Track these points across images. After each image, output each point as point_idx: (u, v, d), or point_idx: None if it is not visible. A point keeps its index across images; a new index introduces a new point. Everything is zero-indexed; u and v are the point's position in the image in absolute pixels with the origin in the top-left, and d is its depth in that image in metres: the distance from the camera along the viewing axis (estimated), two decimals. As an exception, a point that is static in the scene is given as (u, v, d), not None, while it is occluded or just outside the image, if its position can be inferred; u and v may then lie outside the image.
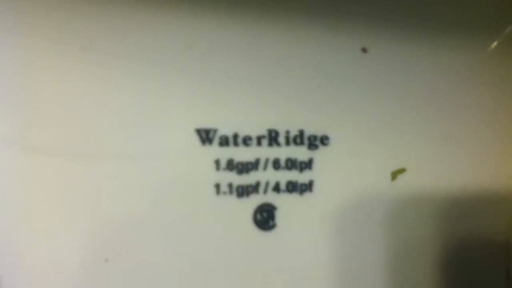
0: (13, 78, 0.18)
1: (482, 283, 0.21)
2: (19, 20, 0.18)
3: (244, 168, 0.19)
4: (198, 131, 0.19)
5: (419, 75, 0.21)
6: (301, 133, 0.19)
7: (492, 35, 0.22)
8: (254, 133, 0.19)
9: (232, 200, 0.19)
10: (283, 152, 0.19)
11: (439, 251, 0.20)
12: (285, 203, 0.19)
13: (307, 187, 0.19)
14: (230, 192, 0.19)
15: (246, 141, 0.19)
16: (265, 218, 0.19)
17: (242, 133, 0.19)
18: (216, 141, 0.19)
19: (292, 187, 0.19)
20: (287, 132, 0.19)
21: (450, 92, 0.21)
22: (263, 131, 0.19)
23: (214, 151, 0.19)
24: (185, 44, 0.19)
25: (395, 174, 0.20)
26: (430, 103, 0.21)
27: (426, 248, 0.20)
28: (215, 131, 0.19)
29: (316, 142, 0.20)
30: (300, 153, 0.19)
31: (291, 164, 0.19)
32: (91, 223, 0.18)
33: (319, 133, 0.20)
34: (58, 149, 0.18)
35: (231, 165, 0.19)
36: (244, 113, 0.19)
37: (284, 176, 0.19)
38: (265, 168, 0.19)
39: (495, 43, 0.22)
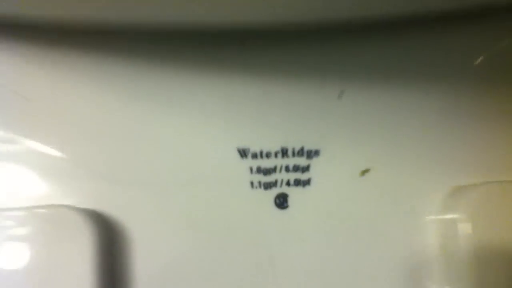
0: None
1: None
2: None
3: (267, 171, 0.31)
4: (238, 150, 0.31)
5: (389, 112, 0.32)
6: (302, 148, 0.31)
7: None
8: (272, 150, 0.31)
9: (261, 191, 0.31)
10: (291, 161, 0.31)
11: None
12: (293, 192, 0.31)
13: (307, 182, 0.31)
14: (260, 186, 0.31)
15: (268, 155, 0.31)
16: (281, 201, 0.31)
17: (265, 150, 0.31)
18: (249, 155, 0.31)
19: (297, 182, 0.31)
20: (293, 148, 0.31)
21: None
22: (278, 148, 0.31)
23: (249, 162, 0.31)
24: (217, 96, 0.31)
25: (363, 172, 0.31)
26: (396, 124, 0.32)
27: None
28: (248, 149, 0.31)
29: (312, 154, 0.31)
30: (302, 161, 0.31)
31: (296, 168, 0.31)
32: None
33: (314, 148, 0.31)
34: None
35: (259, 170, 0.31)
36: (266, 137, 0.31)
37: (292, 176, 0.31)
38: (280, 171, 0.31)
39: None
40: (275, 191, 0.31)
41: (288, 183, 0.31)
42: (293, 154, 0.31)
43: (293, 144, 0.31)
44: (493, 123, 0.32)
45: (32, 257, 0.28)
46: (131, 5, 0.26)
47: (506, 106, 0.33)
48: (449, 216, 0.31)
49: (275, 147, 0.31)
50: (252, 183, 0.31)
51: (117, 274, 0.30)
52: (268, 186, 0.31)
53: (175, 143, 0.31)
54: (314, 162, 0.31)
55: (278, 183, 0.31)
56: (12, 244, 0.28)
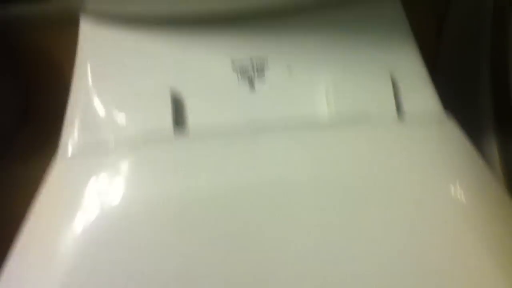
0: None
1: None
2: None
3: (245, 71, 0.68)
4: (232, 61, 0.68)
5: (304, 41, 0.70)
6: (260, 59, 0.69)
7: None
8: (248, 62, 0.68)
9: (242, 80, 0.67)
10: (255, 66, 0.68)
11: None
12: (257, 80, 0.68)
13: (263, 75, 0.68)
14: (242, 78, 0.66)
15: (246, 63, 0.68)
16: (252, 83, 0.68)
17: (243, 61, 0.68)
18: (237, 64, 0.68)
19: (259, 75, 0.68)
20: (256, 61, 0.68)
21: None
22: (249, 61, 0.68)
23: (237, 67, 0.68)
24: (226, 39, 0.69)
25: (289, 68, 0.69)
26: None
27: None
28: (235, 60, 0.68)
29: (264, 62, 0.68)
30: (260, 65, 0.68)
31: (258, 68, 0.68)
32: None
33: (265, 59, 0.68)
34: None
35: (241, 70, 0.67)
36: (244, 57, 0.68)
37: (256, 72, 0.68)
38: (251, 70, 0.68)
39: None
40: (248, 78, 0.68)
41: (254, 76, 0.68)
42: (256, 63, 0.69)
43: (256, 58, 0.69)
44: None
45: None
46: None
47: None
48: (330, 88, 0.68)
49: (248, 59, 0.69)
50: (238, 76, 0.68)
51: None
52: (245, 77, 0.68)
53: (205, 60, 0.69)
54: (266, 65, 0.69)
55: (250, 76, 0.68)
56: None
